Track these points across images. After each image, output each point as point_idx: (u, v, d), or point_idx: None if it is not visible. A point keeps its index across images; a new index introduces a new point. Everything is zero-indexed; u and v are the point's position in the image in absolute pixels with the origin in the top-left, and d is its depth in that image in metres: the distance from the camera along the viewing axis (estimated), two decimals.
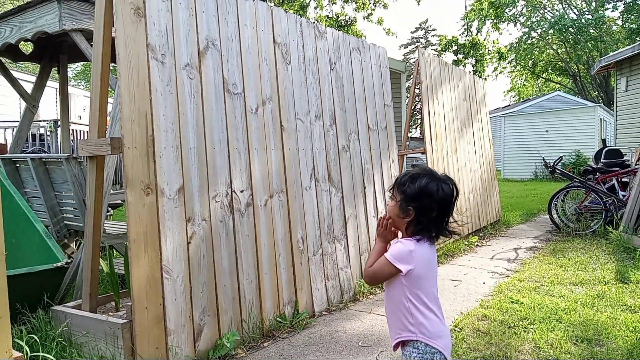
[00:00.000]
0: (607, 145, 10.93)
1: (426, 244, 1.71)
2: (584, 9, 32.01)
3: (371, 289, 4.22)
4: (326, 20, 16.68)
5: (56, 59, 5.19)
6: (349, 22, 17.00)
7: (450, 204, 1.71)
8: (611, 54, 12.78)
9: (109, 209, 5.80)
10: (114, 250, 4.54)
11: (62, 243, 4.43)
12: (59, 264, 3.27)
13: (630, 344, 3.05)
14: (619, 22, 31.08)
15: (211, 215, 3.02)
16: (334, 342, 3.18)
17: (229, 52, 3.25)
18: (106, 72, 2.80)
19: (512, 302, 3.89)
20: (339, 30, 4.46)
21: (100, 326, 2.74)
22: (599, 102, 25.66)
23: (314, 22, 4.12)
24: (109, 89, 2.98)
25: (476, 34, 31.36)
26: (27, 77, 12.70)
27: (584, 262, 5.17)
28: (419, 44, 42.72)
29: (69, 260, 3.38)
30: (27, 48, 6.03)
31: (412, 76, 7.52)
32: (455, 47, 30.35)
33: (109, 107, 4.57)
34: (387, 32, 16.49)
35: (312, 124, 3.92)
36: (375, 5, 16.51)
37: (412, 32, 44.39)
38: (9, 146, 6.07)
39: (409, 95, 11.29)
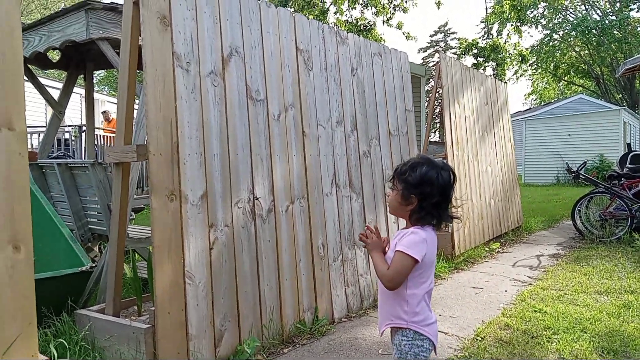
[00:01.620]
0: (633, 149, 10.70)
1: (432, 231, 1.81)
2: (607, 10, 31.44)
3: None
4: (346, 25, 16.66)
5: (83, 66, 5.29)
6: (368, 27, 16.92)
7: (450, 190, 1.80)
8: (637, 55, 12.50)
9: (132, 213, 5.88)
10: (136, 254, 4.60)
11: (86, 247, 4.51)
12: (84, 268, 3.33)
13: None
14: None
15: (233, 221, 3.04)
16: (354, 349, 3.17)
17: (252, 59, 3.28)
18: (133, 81, 2.85)
19: (535, 311, 3.83)
20: (358, 35, 4.46)
21: (123, 330, 2.77)
22: (624, 105, 25.15)
23: (335, 28, 4.13)
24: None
25: (496, 37, 31.01)
26: (51, 83, 12.99)
27: (609, 271, 5.06)
28: (438, 47, 42.43)
29: (94, 265, 3.43)
30: (54, 56, 6.16)
31: (431, 80, 7.49)
32: (475, 51, 30.05)
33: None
34: (406, 37, 16.32)
35: (333, 129, 3.92)
36: (394, 10, 16.42)
37: (431, 36, 44.15)
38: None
39: (428, 100, 11.23)
